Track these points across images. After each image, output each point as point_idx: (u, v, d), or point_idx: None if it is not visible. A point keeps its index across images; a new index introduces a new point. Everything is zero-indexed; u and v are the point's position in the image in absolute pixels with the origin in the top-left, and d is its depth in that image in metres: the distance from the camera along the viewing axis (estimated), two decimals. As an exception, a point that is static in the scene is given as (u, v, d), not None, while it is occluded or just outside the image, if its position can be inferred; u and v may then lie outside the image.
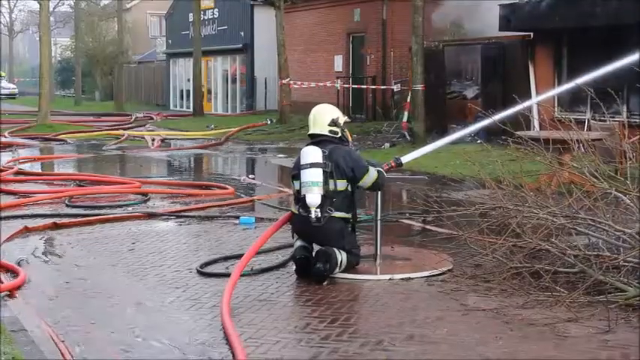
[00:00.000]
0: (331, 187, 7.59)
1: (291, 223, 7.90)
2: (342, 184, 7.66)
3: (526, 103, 10.21)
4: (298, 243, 7.77)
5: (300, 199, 7.66)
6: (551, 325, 6.06)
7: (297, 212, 7.70)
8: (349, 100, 29.12)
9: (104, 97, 54.55)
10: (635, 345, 5.64)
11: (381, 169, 7.94)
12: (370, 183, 7.80)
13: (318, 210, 7.51)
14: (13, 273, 7.86)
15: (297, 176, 7.71)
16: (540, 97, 14.02)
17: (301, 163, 7.63)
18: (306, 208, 7.56)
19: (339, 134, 7.86)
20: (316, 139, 7.83)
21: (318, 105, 8.18)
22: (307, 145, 7.85)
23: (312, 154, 7.62)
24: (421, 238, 9.56)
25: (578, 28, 17.88)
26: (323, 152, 7.62)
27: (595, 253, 6.86)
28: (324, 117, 7.89)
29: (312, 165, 7.56)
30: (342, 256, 7.55)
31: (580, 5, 17.46)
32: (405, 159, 8.47)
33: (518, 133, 8.55)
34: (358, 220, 8.09)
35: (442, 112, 21.75)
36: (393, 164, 8.27)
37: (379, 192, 8.08)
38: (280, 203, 12.03)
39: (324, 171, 7.56)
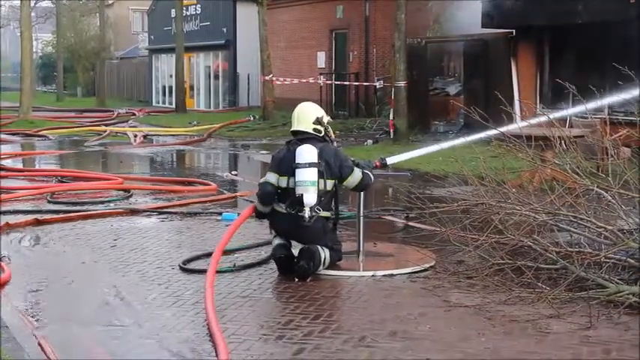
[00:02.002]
0: (321, 186, 7.55)
1: (272, 222, 7.87)
2: (330, 184, 7.64)
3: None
4: (277, 241, 7.71)
5: (287, 197, 7.62)
6: (533, 321, 6.08)
7: (284, 211, 7.64)
8: (332, 97, 29.14)
9: (86, 93, 54.35)
10: (616, 341, 5.68)
11: (368, 172, 7.91)
12: (355, 183, 7.78)
13: (310, 209, 7.49)
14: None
15: (286, 173, 7.65)
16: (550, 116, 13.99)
17: (298, 161, 7.51)
18: (293, 206, 7.52)
19: (322, 133, 7.85)
20: (299, 137, 7.80)
21: (302, 103, 8.14)
22: (289, 142, 7.81)
23: (310, 153, 7.53)
24: (404, 235, 9.56)
25: (561, 26, 17.95)
26: (317, 151, 7.59)
27: (577, 249, 6.88)
28: (308, 115, 7.86)
29: (311, 165, 7.49)
30: (325, 254, 7.54)
31: (562, 2, 17.52)
32: (391, 160, 8.45)
33: (500, 129, 8.56)
34: (340, 216, 8.09)
35: (425, 108, 21.79)
36: (377, 164, 8.27)
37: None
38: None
39: (318, 170, 7.54)
